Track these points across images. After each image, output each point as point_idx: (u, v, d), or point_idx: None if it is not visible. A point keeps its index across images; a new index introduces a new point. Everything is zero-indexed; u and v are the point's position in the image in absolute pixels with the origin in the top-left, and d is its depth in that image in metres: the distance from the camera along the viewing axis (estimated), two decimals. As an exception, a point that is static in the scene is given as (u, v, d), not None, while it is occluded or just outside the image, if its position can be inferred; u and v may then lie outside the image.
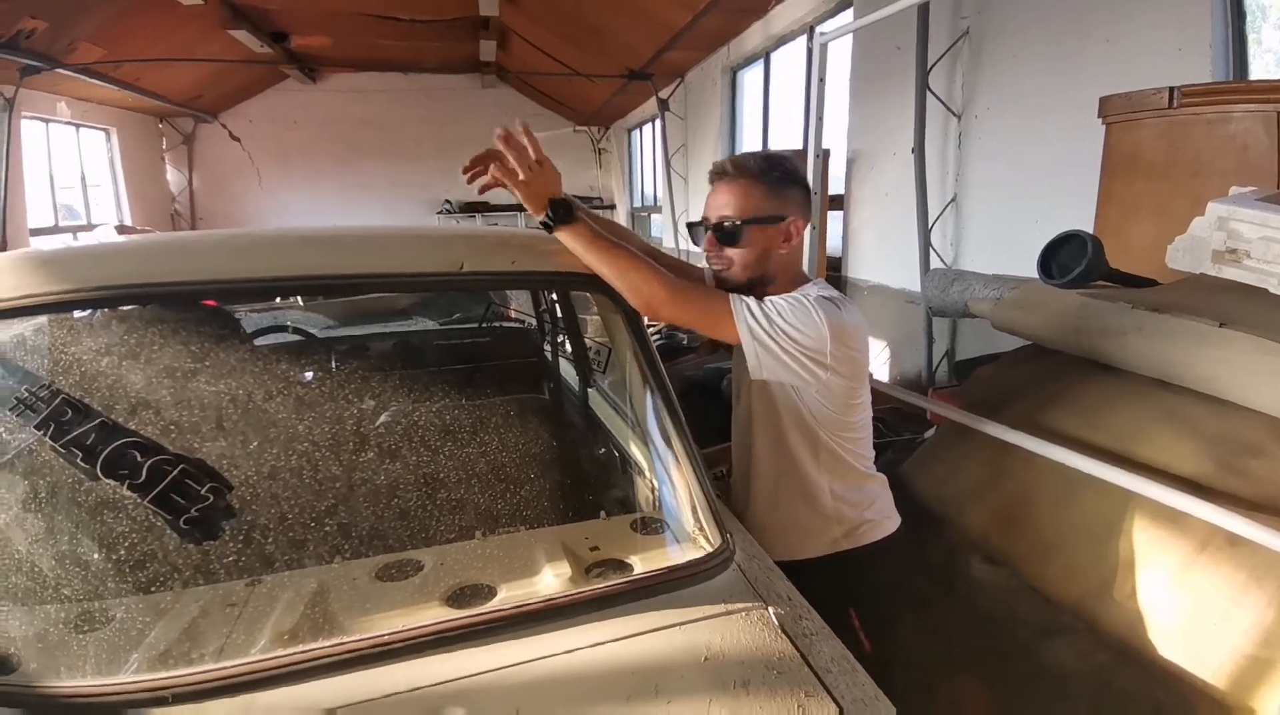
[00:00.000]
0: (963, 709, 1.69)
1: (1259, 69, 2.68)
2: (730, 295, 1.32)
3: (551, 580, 1.12)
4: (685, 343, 4.41)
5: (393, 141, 11.64)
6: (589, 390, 1.87)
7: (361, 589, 1.10)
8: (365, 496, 1.19)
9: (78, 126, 8.91)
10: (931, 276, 2.76)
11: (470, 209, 11.71)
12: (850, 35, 4.83)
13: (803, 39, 5.94)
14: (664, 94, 8.58)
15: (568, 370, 2.07)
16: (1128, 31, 2.93)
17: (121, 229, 8.92)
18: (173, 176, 11.19)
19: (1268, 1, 2.67)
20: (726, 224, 1.35)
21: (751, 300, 1.30)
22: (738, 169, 1.38)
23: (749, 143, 7.30)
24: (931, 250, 4.11)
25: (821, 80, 2.56)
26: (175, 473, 0.99)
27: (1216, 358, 1.47)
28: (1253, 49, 2.67)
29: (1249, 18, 2.64)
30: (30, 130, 7.77)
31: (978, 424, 1.80)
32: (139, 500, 1.01)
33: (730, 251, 1.37)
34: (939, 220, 4.13)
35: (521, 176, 1.25)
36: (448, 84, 11.38)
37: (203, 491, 0.96)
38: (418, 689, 0.87)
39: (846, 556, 1.45)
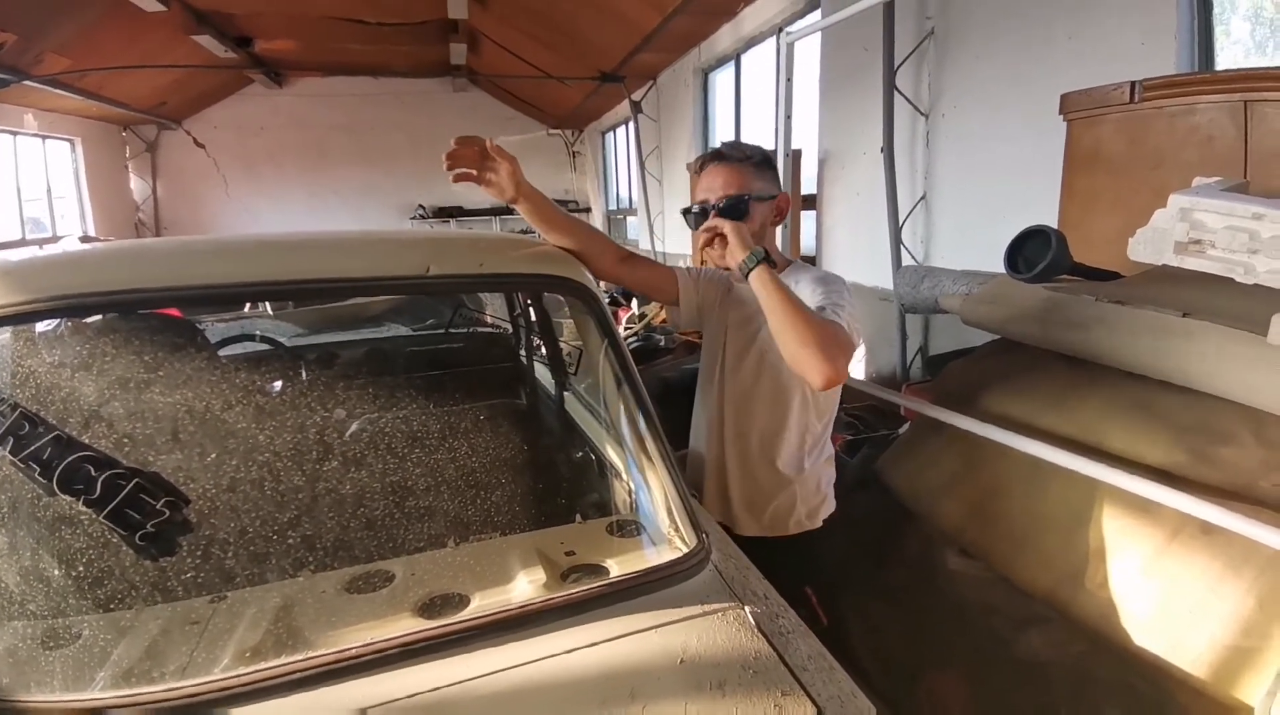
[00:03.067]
0: (942, 700, 1.70)
1: (1226, 61, 2.65)
2: (822, 316, 1.28)
3: (526, 587, 1.10)
4: (661, 344, 4.41)
5: (363, 147, 11.50)
6: (564, 394, 1.85)
7: (329, 602, 1.07)
8: (334, 508, 1.16)
9: (44, 138, 8.76)
10: (902, 273, 2.78)
11: (444, 214, 11.60)
12: (819, 36, 4.87)
13: (772, 40, 5.97)
14: (636, 96, 8.58)
15: (543, 374, 2.05)
16: (1091, 26, 2.97)
17: (85, 240, 8.72)
18: (136, 185, 10.96)
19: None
20: (735, 201, 1.43)
21: (823, 306, 1.31)
22: (731, 151, 1.48)
23: (722, 144, 7.31)
24: (903, 247, 4.15)
25: (789, 80, 2.57)
26: (130, 487, 0.96)
27: (1181, 348, 1.49)
28: (1220, 41, 2.64)
29: (1215, 8, 2.61)
30: (-2, 143, 7.64)
31: (949, 418, 1.81)
32: (94, 516, 0.98)
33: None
34: (909, 218, 4.17)
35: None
36: (418, 88, 11.27)
37: (158, 506, 0.93)
38: (387, 703, 0.85)
39: (803, 538, 1.54)
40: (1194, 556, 1.32)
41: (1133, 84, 2.24)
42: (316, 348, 2.45)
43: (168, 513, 0.93)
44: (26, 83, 6.70)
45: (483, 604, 1.07)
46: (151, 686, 0.88)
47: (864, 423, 3.24)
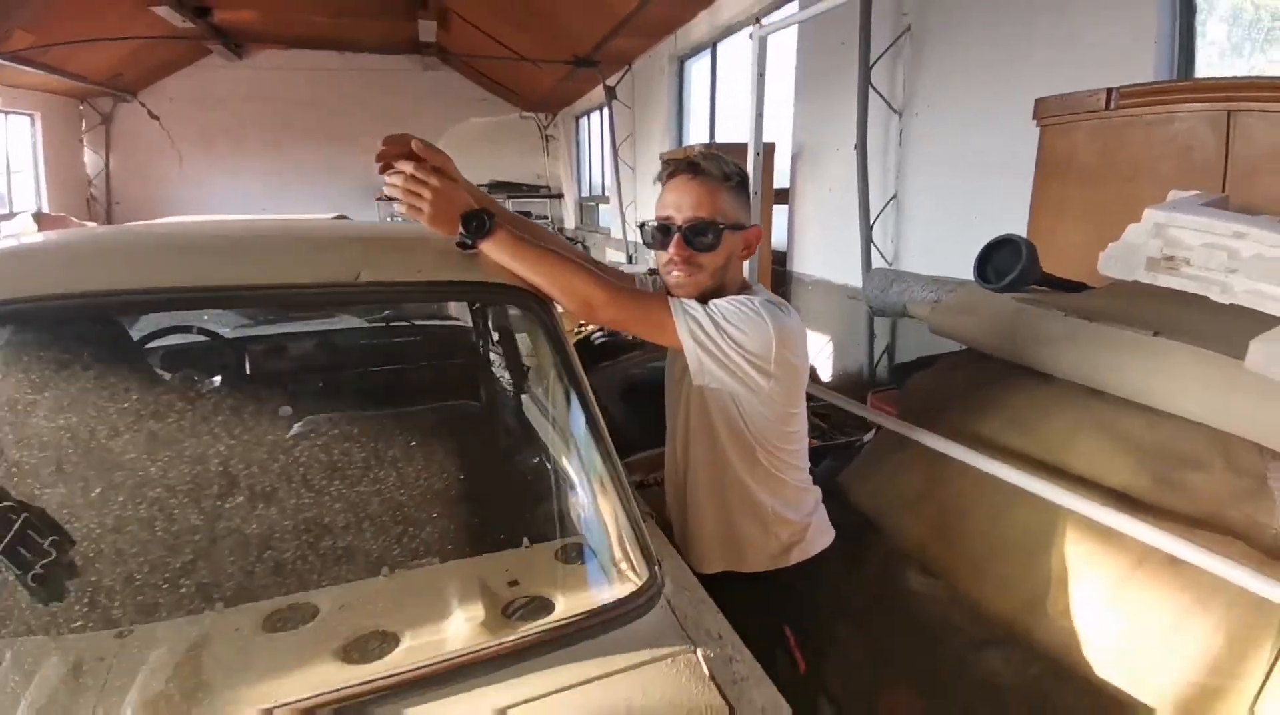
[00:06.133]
0: (900, 719, 1.67)
1: (1203, 62, 2.61)
2: (670, 298, 1.25)
3: (462, 626, 1.01)
4: (631, 339, 4.32)
5: (327, 124, 11.13)
6: (512, 410, 1.74)
7: (242, 644, 0.97)
8: (244, 536, 1.06)
9: (4, 114, 8.45)
10: (872, 276, 2.73)
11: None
12: (796, 29, 4.79)
13: (749, 30, 5.88)
14: (611, 82, 8.43)
15: (492, 390, 1.94)
16: (1070, 29, 2.94)
17: (39, 217, 8.38)
18: (90, 159, 10.51)
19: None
20: (709, 227, 1.25)
21: (692, 303, 1.24)
22: (708, 165, 1.27)
23: (696, 134, 7.23)
24: (873, 247, 4.12)
25: (760, 75, 2.49)
26: (20, 522, 0.85)
27: (1151, 368, 1.45)
28: (1198, 43, 2.61)
29: (1198, 12, 2.56)
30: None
31: (913, 433, 1.77)
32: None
33: (704, 257, 1.27)
34: (880, 217, 4.13)
35: (424, 210, 1.18)
36: (387, 65, 10.95)
37: (45, 545, 0.83)
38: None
39: (783, 573, 1.42)
40: (1160, 587, 1.28)
41: (1109, 91, 2.20)
42: (236, 344, 2.22)
43: (54, 553, 0.83)
44: (-5, 60, 6.53)
45: (413, 644, 0.98)
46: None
47: (831, 424, 3.18)
